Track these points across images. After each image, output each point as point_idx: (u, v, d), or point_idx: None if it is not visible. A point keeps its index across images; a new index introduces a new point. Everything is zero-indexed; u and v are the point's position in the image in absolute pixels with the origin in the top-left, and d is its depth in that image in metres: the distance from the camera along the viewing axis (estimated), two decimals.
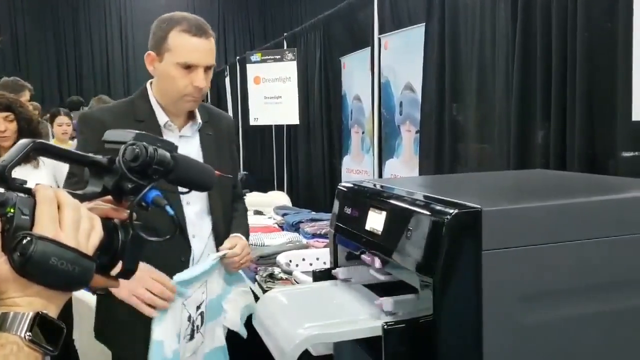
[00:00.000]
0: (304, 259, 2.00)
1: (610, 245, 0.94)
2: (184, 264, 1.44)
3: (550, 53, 1.79)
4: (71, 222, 0.61)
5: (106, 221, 0.68)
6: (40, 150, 0.65)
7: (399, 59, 3.46)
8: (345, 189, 1.32)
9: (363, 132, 4.22)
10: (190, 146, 1.48)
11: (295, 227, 2.78)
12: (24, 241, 0.56)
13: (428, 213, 0.93)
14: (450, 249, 0.88)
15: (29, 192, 0.61)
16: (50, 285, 0.58)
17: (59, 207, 0.61)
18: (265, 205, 3.59)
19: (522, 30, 1.91)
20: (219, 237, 1.51)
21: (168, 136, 1.43)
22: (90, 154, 0.71)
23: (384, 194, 1.16)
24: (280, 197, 4.02)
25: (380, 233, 1.09)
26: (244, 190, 4.18)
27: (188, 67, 1.39)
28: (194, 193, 1.42)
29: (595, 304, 0.94)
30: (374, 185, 1.28)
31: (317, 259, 1.96)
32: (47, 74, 11.49)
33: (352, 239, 1.23)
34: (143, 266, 1.25)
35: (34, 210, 0.59)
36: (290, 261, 2.01)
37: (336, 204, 1.34)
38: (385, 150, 3.78)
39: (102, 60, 12.03)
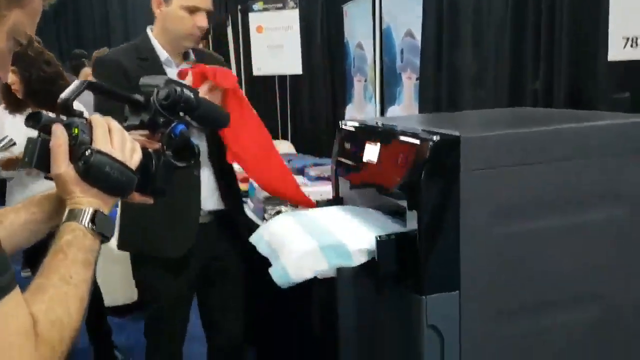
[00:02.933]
0: (309, 196, 2.17)
1: (571, 168, 1.09)
2: (197, 178, 1.76)
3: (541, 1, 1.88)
4: (119, 142, 0.77)
5: (143, 149, 0.85)
6: (92, 88, 0.82)
7: (399, 6, 3.50)
8: (345, 127, 1.46)
9: (365, 80, 4.31)
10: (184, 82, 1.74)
11: (300, 171, 2.94)
12: (86, 153, 0.73)
13: (414, 141, 1.07)
14: (433, 171, 1.03)
15: (85, 120, 0.77)
16: (104, 188, 0.75)
17: (109, 131, 0.77)
18: None
19: None
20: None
21: (168, 72, 1.70)
22: (131, 95, 0.88)
23: (378, 128, 1.31)
24: (284, 146, 4.17)
25: (375, 163, 1.24)
26: None
27: (192, 11, 1.67)
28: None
29: (557, 218, 1.10)
30: (371, 122, 1.42)
31: (321, 195, 2.11)
32: (44, 24, 11.43)
33: (352, 170, 1.38)
34: None
35: (91, 131, 0.75)
36: None
37: (337, 140, 1.48)
38: (387, 97, 3.88)
39: (100, 10, 11.90)
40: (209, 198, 1.86)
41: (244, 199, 2.79)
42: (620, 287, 1.17)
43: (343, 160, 1.43)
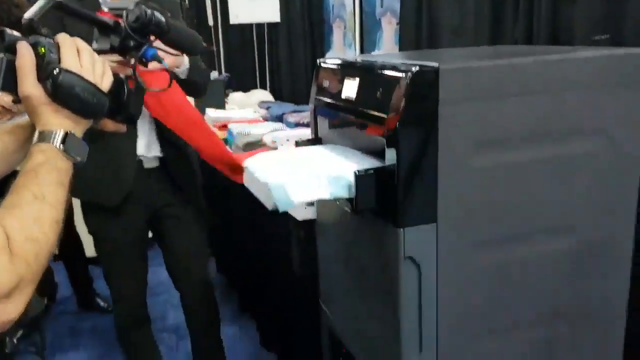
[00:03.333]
0: (288, 140, 2.15)
1: (549, 100, 1.08)
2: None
3: None
4: (89, 63, 0.74)
5: (115, 75, 0.81)
6: (59, 9, 0.77)
7: None
8: (324, 64, 1.43)
9: (345, 27, 4.21)
10: None
11: (279, 118, 2.91)
12: (55, 72, 0.69)
13: (393, 73, 1.05)
14: (412, 102, 1.01)
15: (53, 39, 0.73)
16: (75, 110, 0.72)
17: (78, 52, 0.73)
18: (249, 105, 3.68)
19: None
20: None
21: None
22: (100, 16, 0.83)
23: (357, 64, 1.28)
24: (263, 96, 4.09)
25: (354, 99, 1.22)
26: (227, 91, 4.26)
27: None
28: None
29: (534, 151, 1.11)
30: (350, 59, 1.39)
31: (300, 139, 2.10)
32: None
33: (331, 108, 1.36)
34: None
35: (58, 51, 0.72)
36: (275, 142, 2.16)
37: (315, 79, 1.45)
38: (367, 43, 3.81)
39: None
40: (154, 143, 1.81)
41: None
42: (594, 220, 1.19)
43: (322, 98, 1.40)
